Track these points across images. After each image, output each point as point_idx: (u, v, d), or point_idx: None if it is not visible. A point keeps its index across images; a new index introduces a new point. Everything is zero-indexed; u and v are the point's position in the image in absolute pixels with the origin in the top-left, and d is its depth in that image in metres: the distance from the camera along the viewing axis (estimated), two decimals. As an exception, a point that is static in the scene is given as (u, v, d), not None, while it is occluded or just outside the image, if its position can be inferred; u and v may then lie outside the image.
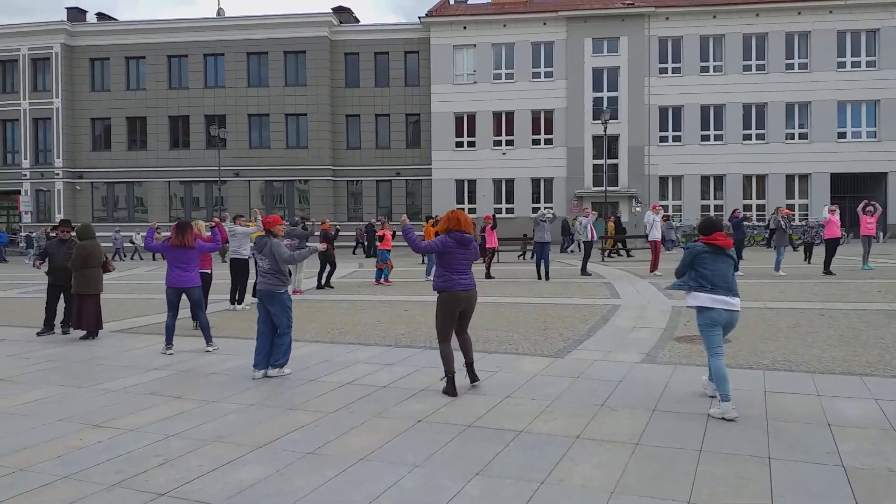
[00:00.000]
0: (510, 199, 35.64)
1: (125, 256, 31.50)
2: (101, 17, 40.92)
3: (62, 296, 9.82)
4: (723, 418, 5.02)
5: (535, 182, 35.60)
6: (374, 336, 9.02)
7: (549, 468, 4.16)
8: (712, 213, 33.28)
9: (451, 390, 5.89)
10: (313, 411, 5.51)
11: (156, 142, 37.69)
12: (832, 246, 15.89)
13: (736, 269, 5.61)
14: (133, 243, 31.87)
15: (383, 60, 36.89)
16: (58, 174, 37.78)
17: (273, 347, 6.77)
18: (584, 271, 17.09)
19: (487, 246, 17.55)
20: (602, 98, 34.81)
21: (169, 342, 8.18)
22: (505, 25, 35.38)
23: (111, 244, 31.26)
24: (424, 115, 36.42)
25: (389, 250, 16.50)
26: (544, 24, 35.12)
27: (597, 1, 36.35)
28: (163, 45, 37.28)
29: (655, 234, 17.10)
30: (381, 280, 16.26)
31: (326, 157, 36.65)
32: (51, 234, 9.57)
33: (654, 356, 7.33)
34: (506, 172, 35.51)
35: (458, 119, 35.93)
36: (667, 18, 34.36)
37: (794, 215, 30.22)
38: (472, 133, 35.93)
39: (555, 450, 4.48)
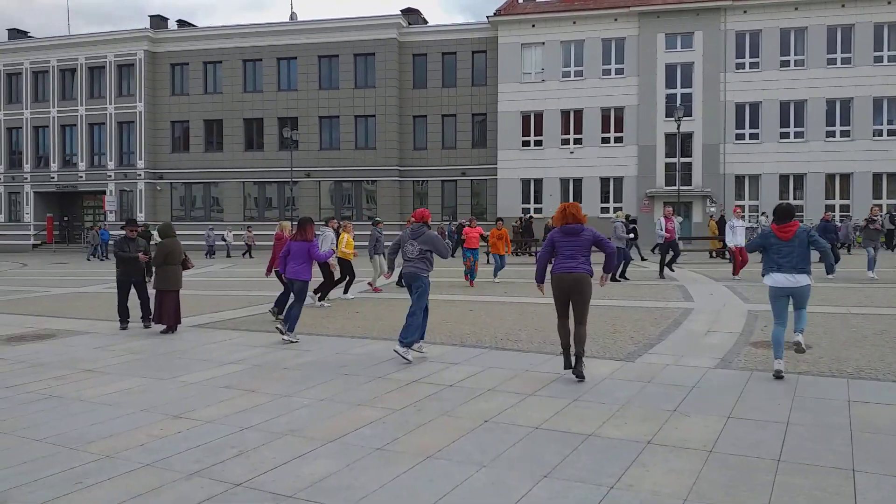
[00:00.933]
0: (578, 199, 35.10)
1: (214, 254, 32.70)
2: (182, 23, 42.72)
3: (134, 290, 10.34)
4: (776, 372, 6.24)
5: (605, 181, 34.96)
6: (440, 335, 9.06)
7: (619, 473, 4.08)
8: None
9: (565, 363, 6.42)
10: (381, 408, 5.59)
11: (231, 143, 39.01)
12: None
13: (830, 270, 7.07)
14: (225, 241, 33.20)
15: (451, 61, 37.01)
16: (139, 175, 39.66)
17: (404, 325, 7.40)
18: (661, 274, 16.48)
19: None
20: (675, 95, 33.83)
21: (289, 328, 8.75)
22: (574, 22, 34.87)
23: (204, 241, 32.69)
24: (491, 115, 36.32)
25: (476, 249, 15.76)
26: (615, 19, 34.44)
27: (669, -5, 35.30)
28: (238, 49, 38.55)
29: (736, 239, 16.07)
30: (472, 281, 15.53)
31: (394, 158, 37.09)
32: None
33: (729, 361, 7.08)
34: (573, 172, 35.02)
35: (525, 118, 35.66)
36: (745, 12, 33.10)
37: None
38: (538, 132, 35.59)
39: (625, 454, 4.39)
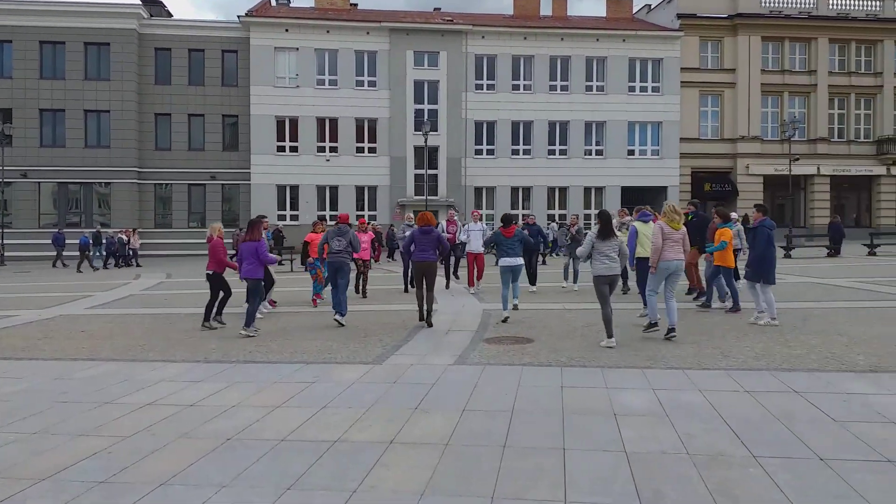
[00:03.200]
0: (334, 206, 35.33)
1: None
2: None
3: None
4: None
5: (360, 189, 35.66)
6: (180, 351, 8.50)
7: (361, 476, 4.20)
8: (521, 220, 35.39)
9: (420, 317, 10.16)
10: (108, 436, 5.07)
11: (-81, 135, 32.50)
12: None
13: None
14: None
15: (198, 58, 34.91)
16: None
17: (340, 303, 10.28)
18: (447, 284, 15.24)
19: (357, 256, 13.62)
20: (423, 110, 35.70)
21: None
22: (329, 31, 35.10)
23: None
24: (243, 118, 35.01)
25: (317, 259, 12.71)
26: (367, 33, 35.35)
27: (418, 15, 37.28)
28: (-72, 24, 32.34)
29: (472, 245, 13.99)
30: (316, 296, 13.04)
31: (131, 158, 33.89)
32: None
33: (466, 358, 7.66)
34: (330, 179, 35.19)
35: (280, 123, 35.00)
36: (483, 37, 36.13)
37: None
38: (294, 138, 35.16)
39: (368, 457, 4.52)
